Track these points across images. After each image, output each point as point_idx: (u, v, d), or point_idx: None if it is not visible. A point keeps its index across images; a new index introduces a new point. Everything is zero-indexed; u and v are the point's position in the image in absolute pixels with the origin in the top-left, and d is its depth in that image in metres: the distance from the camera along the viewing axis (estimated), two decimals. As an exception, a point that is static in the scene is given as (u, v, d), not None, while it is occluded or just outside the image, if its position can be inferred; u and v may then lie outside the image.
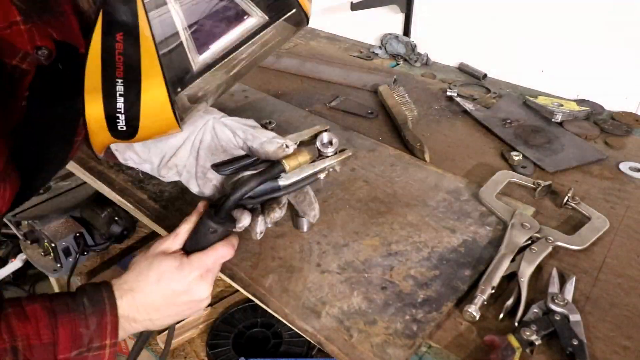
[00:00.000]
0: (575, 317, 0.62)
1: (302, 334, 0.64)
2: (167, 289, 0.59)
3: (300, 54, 1.47)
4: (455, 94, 1.19)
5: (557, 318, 0.62)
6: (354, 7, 1.40)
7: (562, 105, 1.11)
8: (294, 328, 0.64)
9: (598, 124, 1.09)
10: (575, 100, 1.17)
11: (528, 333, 0.60)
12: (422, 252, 0.74)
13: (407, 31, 1.45)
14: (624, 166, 0.95)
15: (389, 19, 1.48)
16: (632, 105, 1.14)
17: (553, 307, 0.64)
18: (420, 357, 0.60)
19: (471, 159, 0.98)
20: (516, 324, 0.63)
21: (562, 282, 0.68)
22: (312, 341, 0.63)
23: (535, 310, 0.64)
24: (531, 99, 1.16)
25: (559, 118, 1.08)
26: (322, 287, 0.68)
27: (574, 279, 0.68)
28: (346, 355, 0.59)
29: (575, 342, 0.59)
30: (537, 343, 0.59)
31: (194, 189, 0.75)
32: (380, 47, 1.47)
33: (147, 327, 0.61)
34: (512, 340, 0.59)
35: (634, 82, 1.13)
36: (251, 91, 1.22)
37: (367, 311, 0.64)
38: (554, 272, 0.69)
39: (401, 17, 1.44)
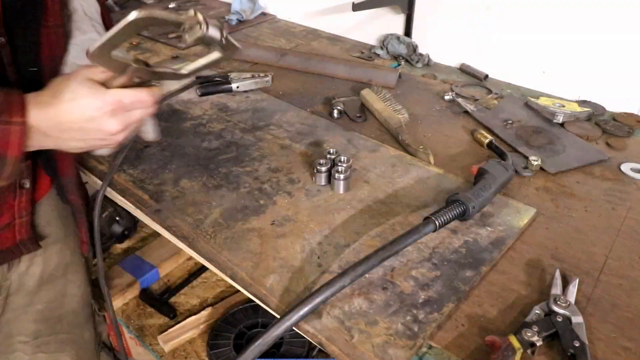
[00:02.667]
0: (577, 319, 0.62)
1: (303, 334, 0.64)
2: (77, 111, 0.60)
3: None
4: (453, 98, 1.19)
5: (559, 320, 0.62)
6: (355, 7, 1.40)
7: (563, 106, 1.11)
8: (294, 328, 0.64)
9: (599, 125, 1.09)
10: (576, 101, 1.17)
11: (529, 334, 0.60)
12: (423, 252, 0.74)
13: (408, 32, 1.45)
14: (625, 167, 0.95)
15: (390, 20, 1.48)
16: (633, 106, 1.14)
17: (555, 308, 0.63)
18: (421, 357, 0.60)
19: (472, 160, 0.97)
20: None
21: (565, 283, 0.68)
22: (313, 342, 0.63)
23: (537, 311, 0.64)
24: (532, 99, 1.15)
25: (560, 119, 1.08)
26: (323, 288, 0.68)
27: (577, 280, 0.68)
28: (347, 355, 0.59)
29: (577, 344, 0.59)
30: (538, 344, 0.59)
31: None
32: (381, 48, 1.46)
33: (57, 145, 0.63)
34: (513, 340, 0.59)
35: (635, 83, 1.12)
36: (254, 91, 1.22)
37: (368, 312, 0.64)
38: (557, 274, 0.69)
39: (402, 17, 1.44)
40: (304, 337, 0.64)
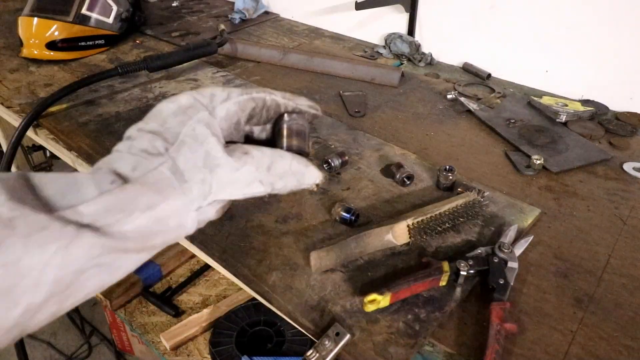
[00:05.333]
0: (513, 265, 0.68)
1: (304, 332, 0.64)
2: None
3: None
4: (456, 97, 1.19)
5: (495, 260, 0.68)
6: (358, 6, 1.40)
7: (566, 106, 1.11)
8: (296, 326, 0.64)
9: (602, 124, 1.08)
10: (579, 101, 1.17)
11: (462, 264, 0.66)
12: (425, 251, 0.74)
13: (411, 31, 1.45)
14: (628, 166, 0.95)
15: (393, 19, 1.48)
16: (637, 105, 1.14)
17: (497, 252, 0.70)
18: (422, 356, 0.60)
19: (475, 159, 0.98)
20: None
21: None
22: (314, 339, 0.63)
23: (479, 250, 0.70)
24: (535, 99, 1.15)
25: (563, 118, 1.08)
26: (325, 285, 0.68)
27: (530, 238, 0.74)
28: (348, 353, 0.60)
29: (501, 282, 0.65)
30: (462, 272, 0.66)
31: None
32: (384, 47, 1.46)
33: None
34: (445, 265, 0.66)
35: (639, 82, 1.12)
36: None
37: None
38: (514, 228, 0.75)
39: (405, 16, 1.44)
40: (305, 335, 0.64)
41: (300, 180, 0.49)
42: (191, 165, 0.43)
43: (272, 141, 0.53)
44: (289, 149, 0.50)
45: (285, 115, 0.52)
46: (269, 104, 0.51)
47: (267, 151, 0.47)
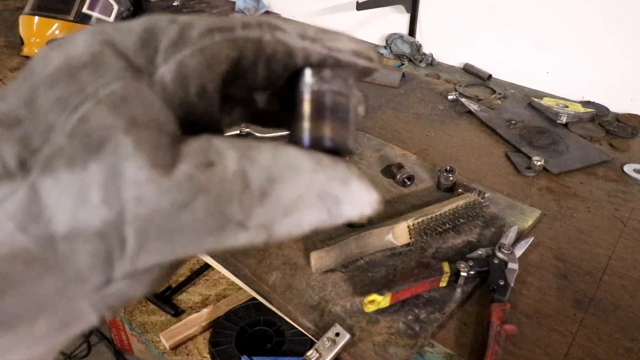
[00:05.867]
0: (513, 266, 0.68)
1: (304, 331, 0.64)
2: None
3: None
4: (457, 98, 1.19)
5: (495, 261, 0.68)
6: (359, 6, 1.40)
7: (567, 107, 1.11)
8: (296, 326, 0.64)
9: (603, 125, 1.08)
10: (580, 102, 1.17)
11: (462, 265, 0.66)
12: (426, 252, 0.74)
13: (412, 31, 1.45)
14: (628, 168, 0.95)
15: (394, 19, 1.48)
16: (637, 107, 1.14)
17: (497, 253, 0.69)
18: (422, 356, 0.60)
19: (475, 160, 0.98)
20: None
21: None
22: (314, 339, 0.63)
23: (480, 252, 0.70)
24: (536, 100, 1.15)
25: (564, 119, 1.08)
26: (326, 285, 0.68)
27: (531, 239, 0.74)
28: (348, 353, 0.60)
29: (502, 283, 0.65)
30: (462, 274, 0.65)
31: None
32: (385, 47, 1.46)
33: None
34: (445, 266, 0.65)
35: (639, 84, 1.12)
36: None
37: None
38: (514, 228, 0.75)
39: (406, 17, 1.44)
40: (305, 336, 0.64)
41: (332, 210, 0.22)
42: (74, 200, 0.19)
43: (288, 121, 0.26)
44: (315, 143, 0.24)
45: (308, 72, 0.25)
46: (270, 50, 0.24)
47: (262, 154, 0.21)
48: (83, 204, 0.19)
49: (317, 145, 0.23)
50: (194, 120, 0.22)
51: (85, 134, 0.19)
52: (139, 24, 0.22)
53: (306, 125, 0.24)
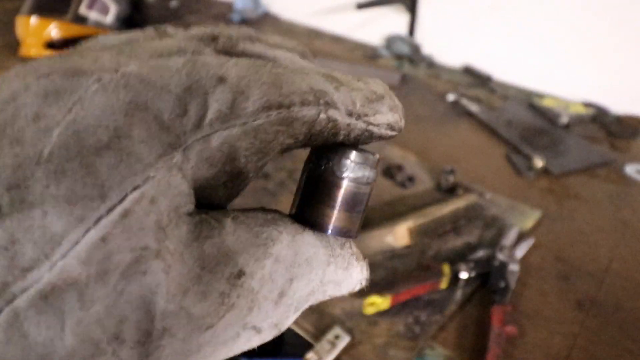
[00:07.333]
0: (514, 267, 0.67)
1: (303, 334, 0.63)
2: None
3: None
4: (457, 99, 1.19)
5: (496, 263, 0.67)
6: (359, 6, 1.40)
7: (568, 108, 1.11)
8: (295, 328, 0.63)
9: (604, 126, 1.08)
10: (581, 103, 1.16)
11: (463, 267, 0.66)
12: (426, 254, 0.73)
13: (412, 32, 1.44)
14: (629, 169, 0.94)
15: (394, 20, 1.47)
16: (638, 108, 1.13)
17: (498, 254, 0.69)
18: (423, 358, 0.60)
19: (476, 161, 0.97)
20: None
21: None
22: (313, 342, 0.62)
23: (480, 253, 0.70)
24: (537, 101, 1.15)
25: (564, 120, 1.08)
26: (325, 288, 0.67)
27: (531, 240, 0.73)
28: (347, 356, 0.59)
29: (503, 285, 0.65)
30: (462, 276, 0.65)
31: None
32: (385, 48, 1.46)
33: None
34: (446, 267, 0.65)
35: (640, 84, 1.12)
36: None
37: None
38: (515, 230, 0.74)
39: (406, 17, 1.44)
40: (304, 338, 0.63)
41: (330, 292, 0.23)
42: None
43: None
44: (337, 233, 0.23)
45: (350, 156, 0.22)
46: (319, 129, 0.20)
47: (284, 250, 0.19)
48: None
49: (336, 233, 0.22)
50: (205, 195, 0.18)
51: (105, 257, 0.14)
52: (176, 79, 0.16)
53: (333, 212, 0.22)
